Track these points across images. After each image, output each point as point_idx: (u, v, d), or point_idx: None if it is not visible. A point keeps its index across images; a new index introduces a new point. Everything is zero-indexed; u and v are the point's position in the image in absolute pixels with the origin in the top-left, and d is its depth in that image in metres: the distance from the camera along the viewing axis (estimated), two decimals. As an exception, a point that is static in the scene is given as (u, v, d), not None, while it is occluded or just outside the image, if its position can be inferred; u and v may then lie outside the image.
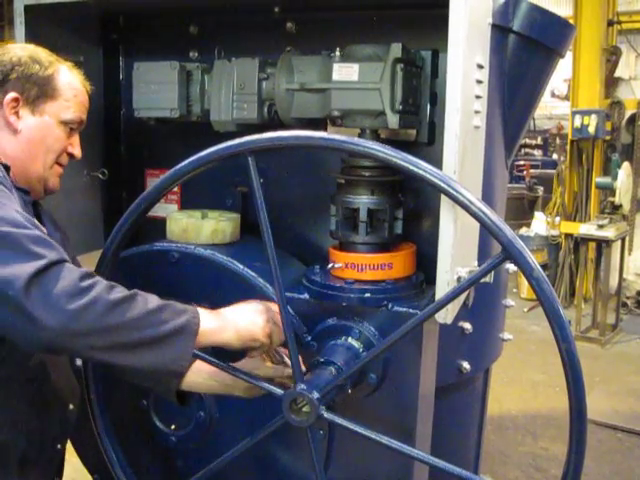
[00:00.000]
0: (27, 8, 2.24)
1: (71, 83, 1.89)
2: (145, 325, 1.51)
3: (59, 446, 1.93)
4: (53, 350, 1.48)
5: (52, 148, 1.86)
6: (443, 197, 1.70)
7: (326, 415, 1.69)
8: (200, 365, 1.77)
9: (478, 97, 1.93)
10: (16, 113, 1.80)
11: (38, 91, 1.82)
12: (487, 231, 1.51)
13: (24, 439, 1.78)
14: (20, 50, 1.85)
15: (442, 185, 1.54)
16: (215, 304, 2.10)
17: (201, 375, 1.80)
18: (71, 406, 1.95)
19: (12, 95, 1.79)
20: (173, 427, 2.23)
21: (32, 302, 1.38)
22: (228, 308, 1.76)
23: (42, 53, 1.87)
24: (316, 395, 1.68)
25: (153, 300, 1.56)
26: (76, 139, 1.93)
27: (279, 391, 1.73)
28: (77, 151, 1.94)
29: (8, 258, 1.41)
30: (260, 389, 1.77)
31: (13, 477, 1.77)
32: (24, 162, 1.80)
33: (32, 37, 2.26)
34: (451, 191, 1.53)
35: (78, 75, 1.93)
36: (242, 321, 1.72)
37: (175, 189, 2.47)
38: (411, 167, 1.56)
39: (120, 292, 1.51)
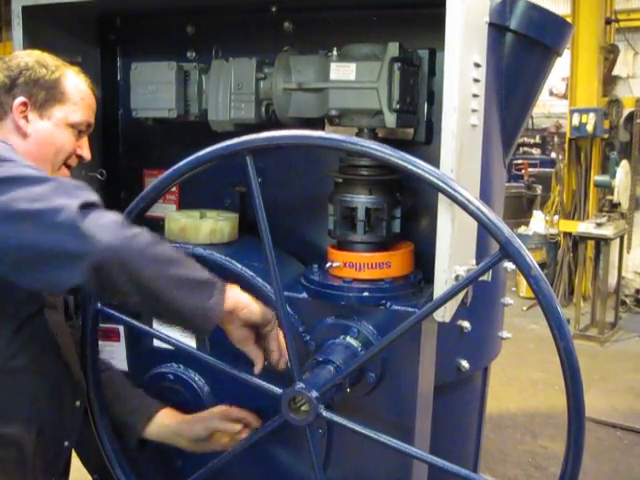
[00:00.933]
0: (25, 9, 2.24)
1: (78, 86, 1.92)
2: (187, 266, 1.56)
3: (66, 443, 1.94)
4: (102, 271, 1.44)
5: (61, 150, 1.88)
6: (441, 196, 1.71)
7: (325, 414, 1.69)
8: (164, 418, 2.06)
9: (475, 96, 1.93)
10: (25, 117, 1.83)
11: (46, 95, 1.85)
12: (485, 230, 1.52)
13: (36, 434, 1.79)
14: (27, 55, 1.88)
15: (440, 184, 1.55)
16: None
17: (162, 427, 2.07)
18: (78, 403, 1.96)
19: (21, 99, 1.82)
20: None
21: (87, 222, 1.42)
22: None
23: (49, 58, 1.90)
24: (315, 394, 1.69)
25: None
26: (85, 141, 1.96)
27: (278, 390, 1.74)
28: (86, 153, 1.97)
29: (58, 195, 1.45)
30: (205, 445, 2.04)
31: (27, 473, 1.78)
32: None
33: (29, 38, 2.27)
34: (449, 190, 1.53)
35: (85, 79, 1.96)
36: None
37: (173, 189, 2.47)
38: (409, 166, 1.57)
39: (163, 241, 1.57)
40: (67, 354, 1.88)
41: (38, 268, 1.45)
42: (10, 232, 1.42)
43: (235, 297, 1.65)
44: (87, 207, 1.44)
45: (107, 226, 1.44)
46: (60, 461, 1.96)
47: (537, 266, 1.49)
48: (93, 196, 1.50)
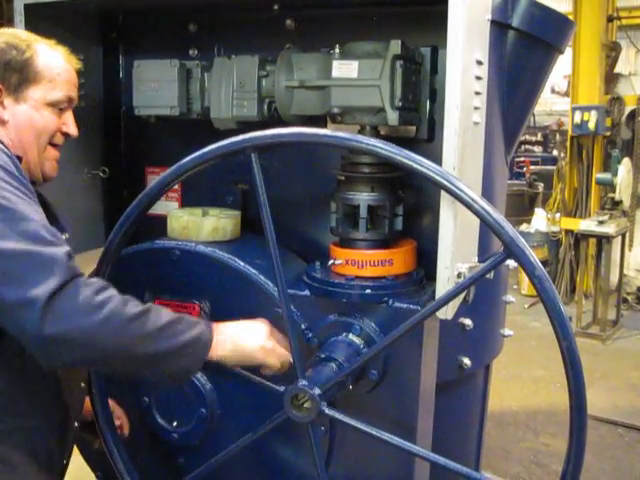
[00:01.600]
0: (27, 7, 2.24)
1: (52, 62, 1.80)
2: (159, 338, 1.56)
3: (76, 424, 1.95)
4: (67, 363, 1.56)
5: (43, 132, 1.80)
6: (443, 193, 1.71)
7: (327, 411, 1.70)
8: None
9: (477, 93, 1.93)
10: (1, 104, 1.75)
11: (19, 77, 1.75)
12: (490, 229, 1.52)
13: (58, 422, 1.82)
14: None
15: (445, 183, 1.55)
16: (216, 301, 2.12)
17: None
18: (82, 384, 1.98)
19: None
20: (175, 424, 2.24)
21: (49, 325, 1.43)
22: (230, 323, 1.81)
23: (19, 36, 1.79)
24: (317, 391, 1.69)
25: (166, 313, 1.62)
26: (69, 117, 1.86)
27: (280, 388, 1.74)
28: (72, 129, 1.86)
29: (25, 278, 1.45)
30: None
31: (41, 464, 1.79)
32: (18, 152, 1.76)
33: (32, 35, 2.27)
34: (454, 189, 1.54)
35: (61, 52, 1.84)
36: (242, 339, 1.77)
37: (176, 187, 2.48)
38: (415, 165, 1.57)
39: (135, 306, 1.56)
40: None
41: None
42: None
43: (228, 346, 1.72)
44: (55, 294, 1.44)
45: (71, 319, 1.46)
46: (71, 441, 1.96)
47: (541, 266, 1.50)
48: (65, 271, 1.48)
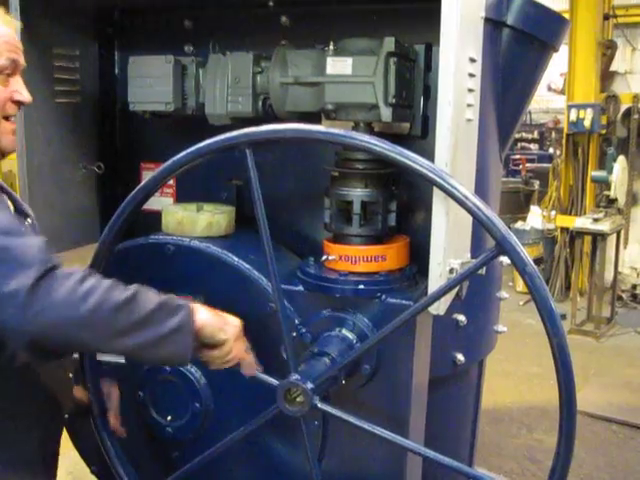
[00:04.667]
0: (23, 2, 2.24)
1: None
2: (146, 327, 1.53)
3: (66, 415, 1.95)
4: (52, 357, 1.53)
5: None
6: (436, 190, 1.72)
7: (320, 405, 1.71)
8: None
9: (471, 90, 1.94)
10: None
11: None
12: (482, 226, 1.53)
13: (35, 412, 1.80)
14: None
15: (437, 180, 1.56)
16: (210, 296, 2.13)
17: None
18: (70, 374, 1.97)
19: None
20: (169, 418, 2.25)
21: (33, 321, 1.39)
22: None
23: None
24: (310, 385, 1.71)
25: (153, 297, 1.58)
26: (18, 83, 1.69)
27: (274, 381, 1.75)
28: (24, 96, 1.70)
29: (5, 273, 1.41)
30: None
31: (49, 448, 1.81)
32: None
33: (27, 31, 2.27)
34: (446, 186, 1.55)
35: None
36: (216, 312, 1.74)
37: (170, 182, 2.49)
38: (407, 162, 1.58)
39: (120, 292, 1.52)
40: None
41: None
42: None
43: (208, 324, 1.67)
44: (37, 285, 1.40)
45: (58, 313, 1.42)
46: (60, 431, 1.96)
47: (532, 262, 1.51)
48: (43, 263, 1.43)
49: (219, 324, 1.69)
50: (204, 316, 1.66)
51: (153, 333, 1.54)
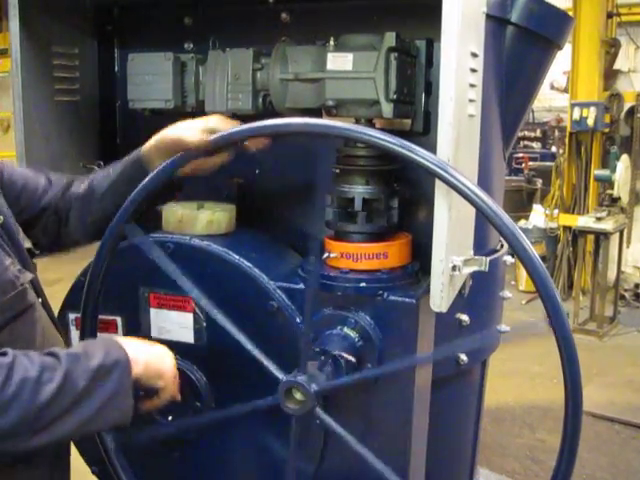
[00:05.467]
0: (21, 0, 2.23)
1: None
2: (83, 402, 1.47)
3: None
4: None
5: None
6: (438, 184, 1.70)
7: (317, 411, 1.71)
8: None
9: (472, 86, 1.92)
10: None
11: None
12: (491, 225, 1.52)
13: None
14: None
15: (443, 174, 1.54)
16: (211, 295, 2.11)
17: None
18: None
19: None
20: (170, 418, 2.23)
21: None
22: (131, 340, 1.70)
23: None
24: (314, 389, 1.70)
25: (86, 367, 1.49)
26: None
27: (281, 375, 1.74)
28: None
29: None
30: None
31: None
32: None
33: (26, 29, 2.26)
34: (464, 189, 1.54)
35: None
36: (152, 355, 1.69)
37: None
38: (418, 158, 1.56)
39: (46, 383, 1.42)
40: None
41: None
42: None
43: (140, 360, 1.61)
44: None
45: None
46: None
47: (540, 261, 1.50)
48: None
49: (155, 369, 1.66)
50: (139, 369, 1.61)
51: (89, 408, 1.48)
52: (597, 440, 4.95)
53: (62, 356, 1.49)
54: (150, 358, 1.66)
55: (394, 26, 1.96)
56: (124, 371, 1.55)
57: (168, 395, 1.73)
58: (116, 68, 2.63)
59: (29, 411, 1.39)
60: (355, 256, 1.98)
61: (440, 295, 1.77)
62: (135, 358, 1.60)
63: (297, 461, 1.78)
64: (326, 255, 2.01)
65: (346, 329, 1.93)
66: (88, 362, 1.50)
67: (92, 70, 2.59)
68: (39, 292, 1.84)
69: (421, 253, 2.04)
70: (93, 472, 2.47)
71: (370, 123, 2.03)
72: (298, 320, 2.00)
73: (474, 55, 1.90)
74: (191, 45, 2.40)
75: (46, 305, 1.88)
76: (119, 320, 2.25)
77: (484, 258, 1.84)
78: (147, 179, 1.85)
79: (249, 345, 1.80)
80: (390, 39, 1.89)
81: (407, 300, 1.89)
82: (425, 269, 1.95)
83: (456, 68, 1.73)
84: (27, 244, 1.85)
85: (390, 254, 2.00)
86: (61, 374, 1.45)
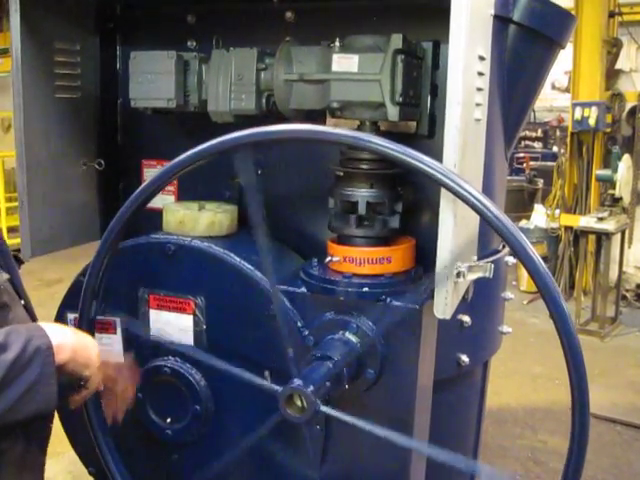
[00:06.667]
0: (23, -4, 2.21)
1: None
2: (3, 389, 1.45)
3: None
4: None
5: None
6: (443, 190, 1.68)
7: (323, 409, 1.67)
8: None
9: (479, 89, 1.90)
10: None
11: None
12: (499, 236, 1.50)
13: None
14: None
15: (451, 184, 1.52)
16: (212, 297, 2.10)
17: None
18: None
19: None
20: (169, 420, 2.21)
21: None
22: (58, 326, 1.66)
23: None
24: (312, 389, 1.67)
25: (7, 354, 1.47)
26: None
27: (277, 387, 1.72)
28: None
29: None
30: None
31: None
32: None
33: (27, 26, 2.24)
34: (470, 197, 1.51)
35: None
36: (79, 343, 1.64)
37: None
38: (421, 165, 1.54)
39: None
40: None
41: None
42: None
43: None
44: None
45: None
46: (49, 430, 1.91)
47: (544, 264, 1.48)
48: None
49: (83, 357, 1.63)
50: (66, 355, 1.58)
51: (7, 399, 1.46)
52: (599, 441, 4.93)
53: None
54: (77, 346, 1.63)
55: (400, 27, 1.93)
56: (46, 359, 1.52)
57: (95, 385, 1.70)
58: (118, 66, 2.61)
59: None
60: (358, 260, 1.96)
61: (444, 302, 1.75)
62: (61, 344, 1.57)
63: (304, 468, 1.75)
64: (329, 259, 1.99)
65: (348, 334, 1.91)
66: (5, 354, 1.47)
67: (93, 67, 2.57)
68: (21, 294, 1.82)
69: (425, 257, 2.02)
70: (90, 473, 2.47)
71: (375, 126, 2.01)
72: (299, 324, 1.98)
73: (481, 58, 1.88)
74: (194, 43, 2.38)
75: (29, 308, 1.85)
76: (117, 321, 2.24)
77: (489, 264, 1.81)
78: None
79: (241, 372, 1.78)
80: (397, 41, 1.86)
81: (410, 306, 1.87)
82: (429, 272, 1.92)
83: (464, 71, 1.70)
84: None
85: (394, 258, 1.98)
86: None
